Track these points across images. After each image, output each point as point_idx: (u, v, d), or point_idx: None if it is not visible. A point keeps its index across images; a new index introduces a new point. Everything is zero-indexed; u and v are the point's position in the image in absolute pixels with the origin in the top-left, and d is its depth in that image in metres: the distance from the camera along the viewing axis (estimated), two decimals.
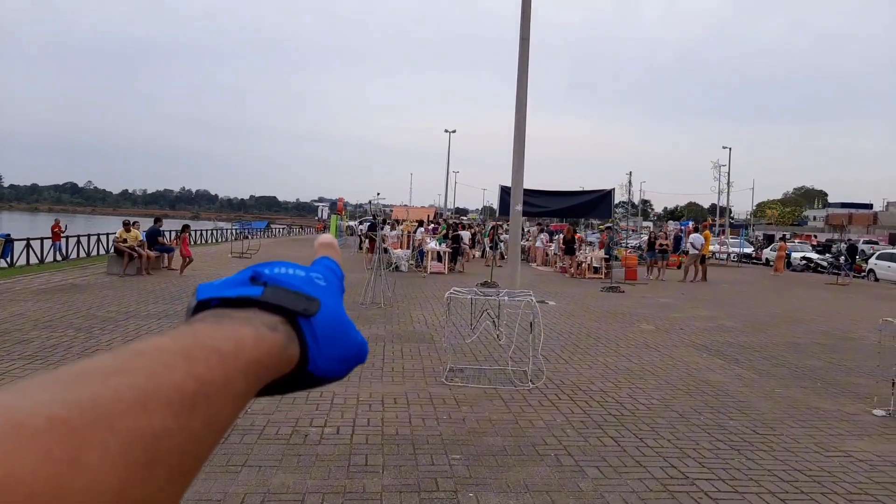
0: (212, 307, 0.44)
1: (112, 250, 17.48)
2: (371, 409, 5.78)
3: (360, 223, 34.66)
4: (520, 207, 14.39)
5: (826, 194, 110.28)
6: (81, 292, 12.60)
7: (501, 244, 23.88)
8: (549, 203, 19.48)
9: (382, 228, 16.64)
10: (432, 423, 5.50)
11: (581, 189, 21.24)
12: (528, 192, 18.02)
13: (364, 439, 5.02)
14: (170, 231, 34.38)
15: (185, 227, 18.57)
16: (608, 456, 4.90)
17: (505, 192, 17.10)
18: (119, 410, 0.30)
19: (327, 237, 0.57)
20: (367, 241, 22.55)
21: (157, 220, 18.19)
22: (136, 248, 15.86)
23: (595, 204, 19.47)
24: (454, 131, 59.61)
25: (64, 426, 0.28)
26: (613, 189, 19.53)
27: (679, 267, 23.49)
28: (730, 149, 52.61)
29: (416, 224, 23.20)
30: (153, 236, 17.28)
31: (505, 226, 36.29)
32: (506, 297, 6.91)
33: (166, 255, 17.67)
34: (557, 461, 4.77)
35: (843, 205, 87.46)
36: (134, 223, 16.59)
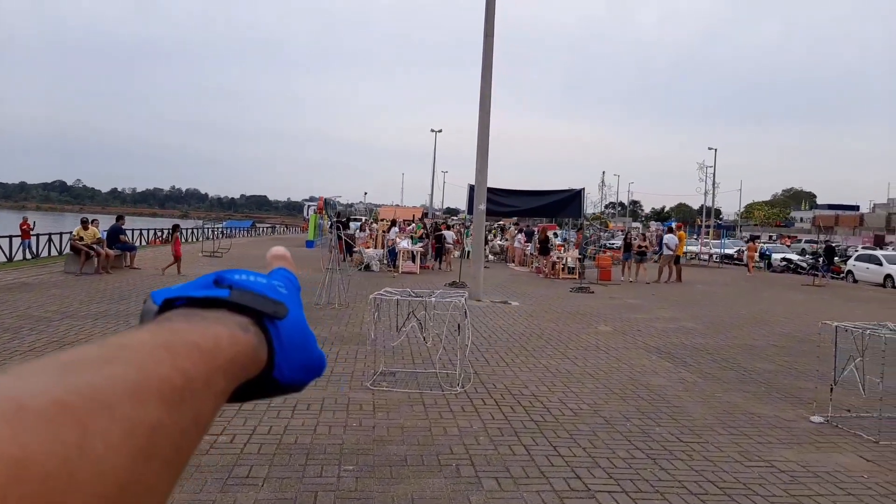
0: (176, 307, 0.42)
1: (68, 248, 17.11)
2: (279, 416, 5.49)
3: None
4: (483, 206, 14.13)
5: (814, 196, 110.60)
6: (29, 291, 12.27)
7: (487, 245, 23.69)
8: (517, 202, 19.18)
9: (346, 228, 16.36)
10: (338, 430, 5.22)
11: (551, 189, 20.90)
12: (496, 192, 17.80)
13: (257, 448, 4.74)
14: (158, 230, 34.16)
15: (176, 227, 18.60)
16: (513, 466, 4.64)
17: (473, 191, 16.82)
18: (116, 399, 0.30)
19: (279, 249, 0.55)
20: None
21: (120, 219, 17.85)
22: (94, 247, 15.51)
23: (565, 203, 19.20)
24: (440, 131, 59.20)
25: (68, 410, 0.28)
26: (583, 188, 19.29)
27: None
28: (715, 150, 52.42)
29: (390, 224, 22.92)
30: (114, 234, 16.95)
31: (495, 226, 36.21)
32: (433, 299, 6.64)
33: (128, 253, 17.34)
34: (457, 472, 4.50)
35: (831, 206, 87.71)
36: (93, 221, 16.23)
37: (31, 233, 23.39)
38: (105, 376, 0.31)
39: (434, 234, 23.11)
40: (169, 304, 0.43)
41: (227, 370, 0.39)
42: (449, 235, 24.10)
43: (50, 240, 24.18)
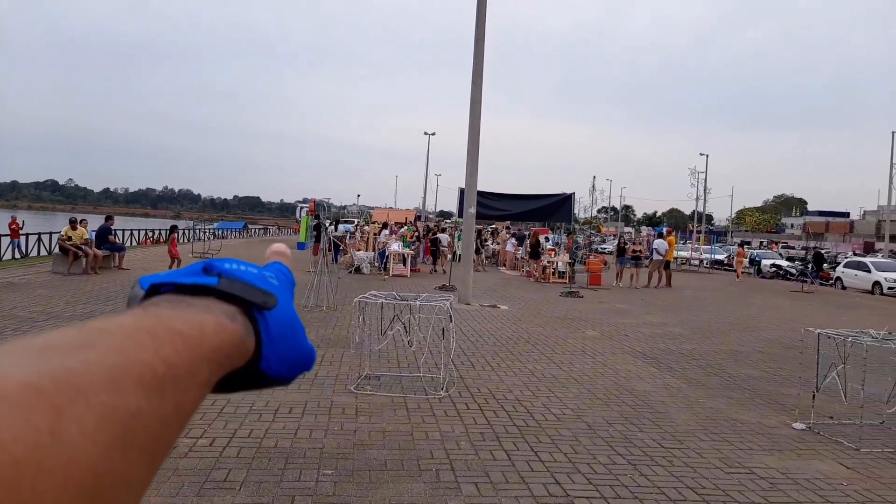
0: (162, 293, 0.41)
1: (57, 248, 17.02)
2: (260, 420, 5.47)
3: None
4: (473, 210, 14.14)
5: (805, 202, 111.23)
6: (15, 291, 12.19)
7: (483, 249, 23.76)
8: (508, 206, 19.22)
9: (335, 229, 16.32)
10: (319, 434, 5.21)
11: (542, 193, 20.94)
12: (487, 195, 17.83)
13: (236, 452, 4.72)
14: (149, 230, 33.97)
15: (174, 228, 18.65)
16: (493, 471, 4.63)
17: (464, 195, 16.83)
18: (93, 385, 0.29)
19: (280, 246, 0.54)
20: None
21: (109, 219, 17.76)
22: (82, 247, 15.43)
23: (556, 207, 19.24)
24: (433, 134, 59.41)
25: (41, 394, 0.26)
26: (573, 193, 19.35)
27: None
28: (707, 156, 52.83)
29: (381, 226, 22.90)
30: (103, 235, 16.86)
31: (488, 229, 36.23)
32: (418, 302, 6.63)
33: (117, 254, 17.25)
34: (436, 477, 4.49)
35: (821, 213, 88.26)
36: (82, 221, 16.16)
37: (21, 232, 23.24)
38: (82, 361, 0.29)
39: (430, 237, 23.10)
40: (155, 290, 0.42)
41: (212, 359, 0.38)
42: (444, 238, 24.11)
43: (39, 239, 24.01)
